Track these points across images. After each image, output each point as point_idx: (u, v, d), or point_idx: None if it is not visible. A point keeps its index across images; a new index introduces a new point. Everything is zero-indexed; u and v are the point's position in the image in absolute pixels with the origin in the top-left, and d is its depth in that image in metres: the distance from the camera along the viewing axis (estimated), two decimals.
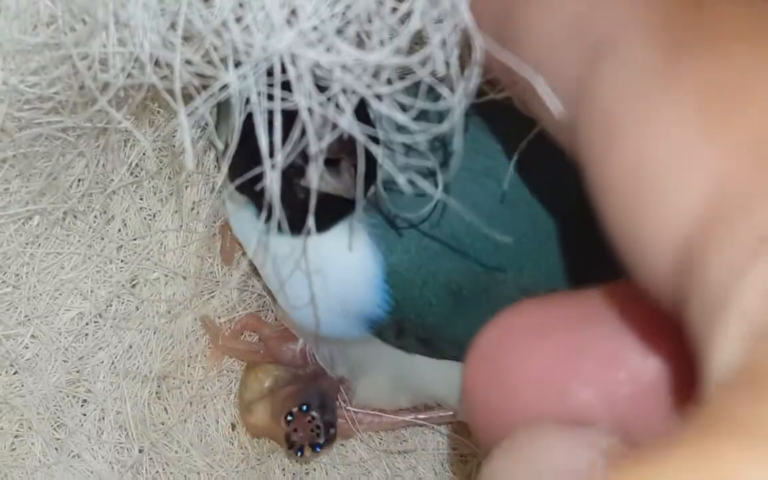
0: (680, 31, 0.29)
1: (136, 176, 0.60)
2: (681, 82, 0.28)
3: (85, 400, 0.62)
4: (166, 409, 0.63)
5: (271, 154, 0.40)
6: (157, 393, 0.63)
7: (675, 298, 0.28)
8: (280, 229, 0.45)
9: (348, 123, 0.38)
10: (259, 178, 0.41)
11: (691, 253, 0.27)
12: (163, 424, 0.63)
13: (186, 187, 0.60)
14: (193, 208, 0.61)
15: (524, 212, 0.53)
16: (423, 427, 0.66)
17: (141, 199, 0.61)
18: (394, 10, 0.38)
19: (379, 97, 0.39)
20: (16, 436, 0.60)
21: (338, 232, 0.54)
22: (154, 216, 0.62)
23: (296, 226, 0.46)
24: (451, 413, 0.64)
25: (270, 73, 0.40)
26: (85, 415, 0.62)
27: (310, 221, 0.41)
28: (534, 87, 0.32)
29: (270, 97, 0.40)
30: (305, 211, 0.43)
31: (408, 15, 0.38)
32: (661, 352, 0.34)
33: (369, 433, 0.66)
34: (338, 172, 0.49)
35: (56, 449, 0.60)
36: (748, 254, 0.25)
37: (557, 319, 0.35)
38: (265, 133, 0.39)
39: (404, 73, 0.39)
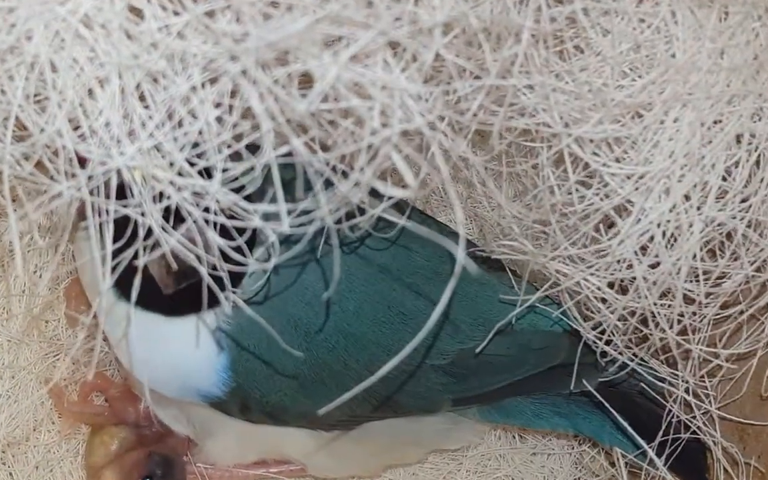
0: None
1: None
2: None
3: None
4: (11, 474, 0.63)
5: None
6: (2, 459, 0.63)
7: None
8: (139, 305, 0.48)
9: (173, 241, 0.41)
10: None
11: None
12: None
13: (29, 251, 0.60)
14: (35, 272, 0.62)
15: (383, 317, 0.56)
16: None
17: None
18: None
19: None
20: None
21: (191, 321, 0.55)
22: None
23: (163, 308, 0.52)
24: (300, 467, 0.65)
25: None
26: None
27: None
28: None
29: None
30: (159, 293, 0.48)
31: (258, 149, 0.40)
32: None
33: None
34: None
35: None
36: None
37: None
38: (109, 237, 0.41)
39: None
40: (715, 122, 0.55)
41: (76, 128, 0.41)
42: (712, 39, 0.54)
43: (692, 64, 0.54)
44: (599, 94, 0.53)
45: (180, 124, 0.40)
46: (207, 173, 0.41)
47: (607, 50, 0.53)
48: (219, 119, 0.40)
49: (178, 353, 0.56)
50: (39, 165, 0.42)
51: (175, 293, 0.49)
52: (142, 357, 0.55)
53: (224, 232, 0.43)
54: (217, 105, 0.40)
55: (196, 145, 0.41)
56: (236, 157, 0.41)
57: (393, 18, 0.39)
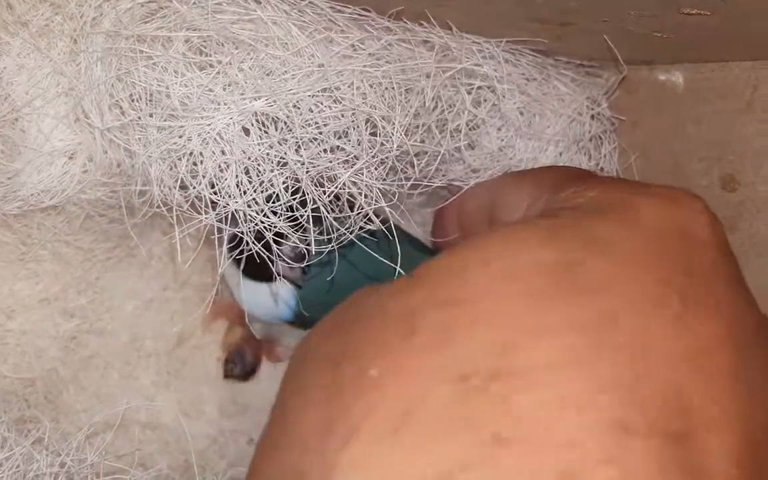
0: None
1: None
2: None
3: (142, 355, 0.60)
4: (183, 350, 0.61)
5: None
6: (178, 343, 0.62)
7: None
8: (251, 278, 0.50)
9: (258, 247, 0.41)
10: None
11: None
12: (181, 359, 0.61)
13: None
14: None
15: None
16: None
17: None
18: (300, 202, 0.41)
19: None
20: None
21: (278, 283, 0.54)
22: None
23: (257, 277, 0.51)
24: None
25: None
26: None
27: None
28: None
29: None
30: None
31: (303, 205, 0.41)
32: None
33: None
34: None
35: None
36: None
37: None
38: (225, 246, 0.42)
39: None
40: None
41: (213, 187, 0.41)
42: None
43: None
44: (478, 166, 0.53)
45: (264, 189, 0.41)
46: (275, 214, 0.41)
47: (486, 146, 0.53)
48: (285, 189, 0.40)
49: (271, 298, 0.55)
50: (192, 205, 0.42)
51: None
52: (250, 300, 0.55)
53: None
54: (284, 181, 0.40)
55: (271, 199, 0.41)
56: (291, 209, 0.41)
57: (372, 151, 0.40)
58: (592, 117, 0.55)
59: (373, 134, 0.39)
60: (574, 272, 0.23)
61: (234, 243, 0.43)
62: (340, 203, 0.40)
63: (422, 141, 0.41)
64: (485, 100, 0.49)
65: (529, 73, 0.52)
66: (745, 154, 0.51)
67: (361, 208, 0.39)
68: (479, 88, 0.49)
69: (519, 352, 0.21)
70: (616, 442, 0.20)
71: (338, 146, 0.38)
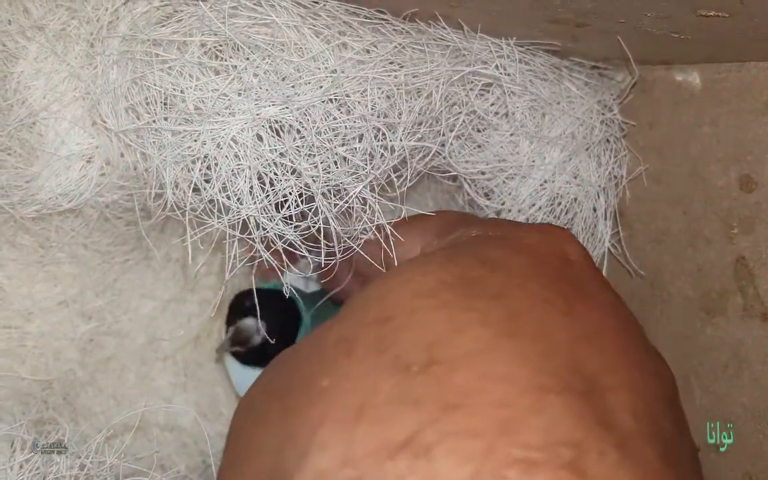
0: None
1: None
2: None
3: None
4: (199, 353, 0.60)
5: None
6: (194, 345, 0.60)
7: None
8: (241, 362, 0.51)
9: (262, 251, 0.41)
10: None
11: None
12: (198, 361, 0.60)
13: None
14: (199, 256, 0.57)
15: None
16: None
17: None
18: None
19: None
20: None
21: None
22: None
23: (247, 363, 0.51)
24: None
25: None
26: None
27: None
28: None
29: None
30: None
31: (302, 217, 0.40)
32: None
33: None
34: None
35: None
36: None
37: None
38: (234, 247, 0.41)
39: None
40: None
41: (224, 189, 0.40)
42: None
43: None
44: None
45: (277, 196, 0.40)
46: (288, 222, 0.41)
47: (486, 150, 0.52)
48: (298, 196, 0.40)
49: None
50: (205, 210, 0.42)
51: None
52: (240, 383, 0.54)
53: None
54: (300, 194, 0.40)
55: (279, 206, 0.41)
56: (302, 217, 0.40)
57: (371, 177, 0.39)
58: (602, 122, 0.54)
59: (383, 144, 0.38)
60: (475, 285, 0.28)
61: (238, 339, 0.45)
62: (347, 216, 0.40)
63: (421, 138, 0.40)
64: (493, 104, 0.48)
65: (541, 72, 0.51)
66: (763, 155, 0.50)
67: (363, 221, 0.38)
68: (489, 86, 0.48)
69: (445, 345, 0.25)
70: (538, 398, 0.24)
71: (346, 158, 0.37)
